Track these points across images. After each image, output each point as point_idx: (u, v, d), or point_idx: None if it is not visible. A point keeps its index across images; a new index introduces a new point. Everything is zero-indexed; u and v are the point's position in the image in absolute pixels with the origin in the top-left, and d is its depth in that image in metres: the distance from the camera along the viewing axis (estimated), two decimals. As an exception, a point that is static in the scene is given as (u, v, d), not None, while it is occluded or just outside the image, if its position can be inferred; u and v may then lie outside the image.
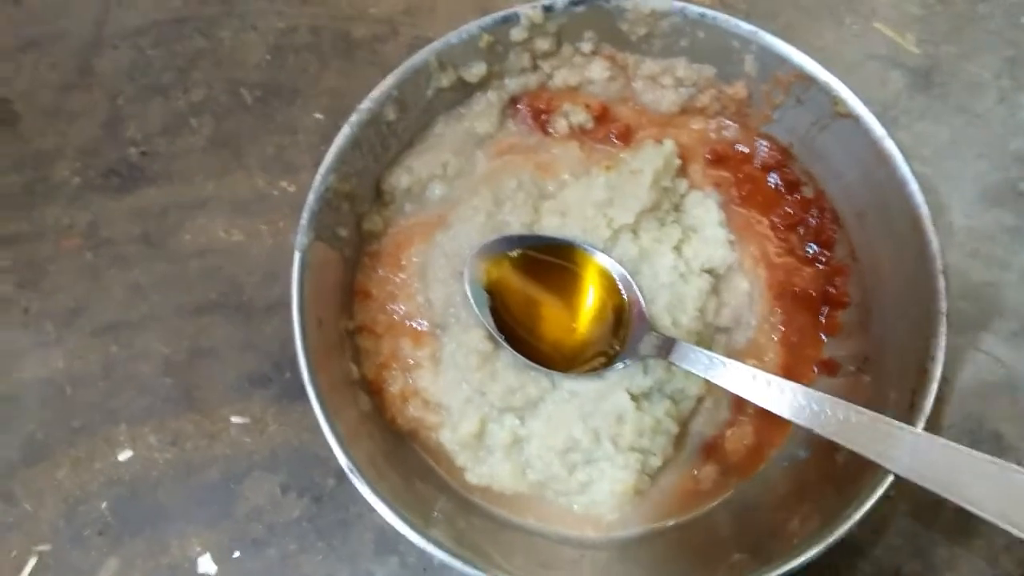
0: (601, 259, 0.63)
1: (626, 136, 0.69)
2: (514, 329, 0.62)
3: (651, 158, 0.66)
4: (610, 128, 0.70)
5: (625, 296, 0.62)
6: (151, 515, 0.67)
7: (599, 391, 0.61)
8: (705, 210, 0.67)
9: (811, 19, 0.81)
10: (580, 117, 0.69)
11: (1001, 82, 0.77)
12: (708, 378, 0.57)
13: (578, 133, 0.70)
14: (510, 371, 0.62)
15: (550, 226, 0.65)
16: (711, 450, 0.63)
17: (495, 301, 0.63)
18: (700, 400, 0.64)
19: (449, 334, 0.64)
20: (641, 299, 0.62)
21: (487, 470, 0.62)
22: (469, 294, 0.62)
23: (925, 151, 0.76)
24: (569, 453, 0.61)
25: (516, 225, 0.65)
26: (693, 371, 0.57)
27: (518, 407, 0.62)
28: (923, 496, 0.65)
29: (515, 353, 0.61)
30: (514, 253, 0.64)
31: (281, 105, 0.79)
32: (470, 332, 0.63)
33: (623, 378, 0.61)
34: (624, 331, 0.62)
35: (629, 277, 0.62)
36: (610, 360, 0.61)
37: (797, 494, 0.60)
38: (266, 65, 0.80)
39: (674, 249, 0.64)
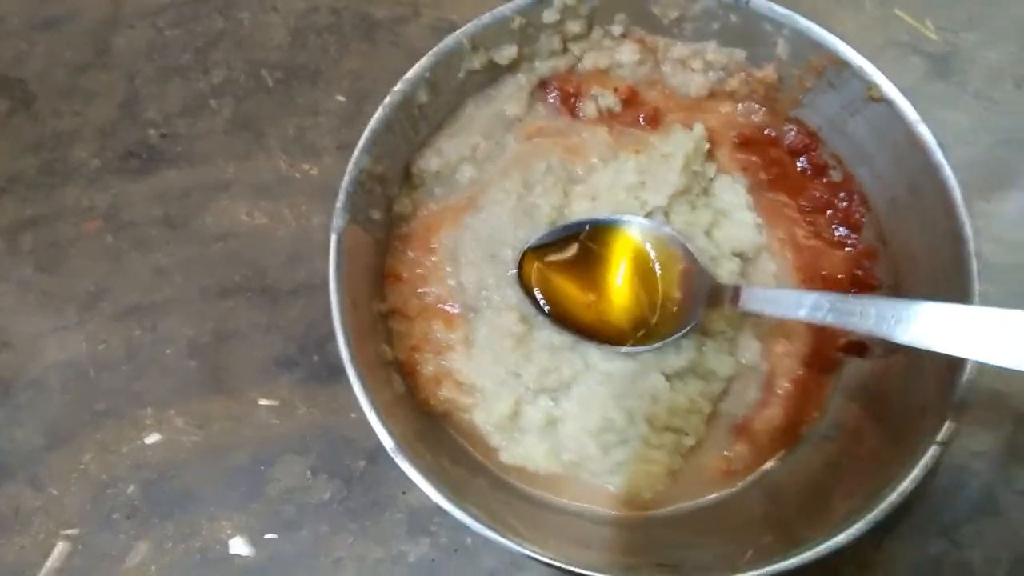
0: (650, 225, 0.63)
1: (654, 120, 0.70)
2: (568, 312, 0.63)
3: (681, 142, 0.66)
4: (638, 112, 0.70)
5: (682, 254, 0.62)
6: (180, 498, 0.67)
7: (633, 372, 0.61)
8: (734, 194, 0.67)
9: (833, 4, 0.82)
10: (609, 101, 0.69)
11: (1020, 69, 0.78)
12: (783, 315, 0.56)
13: (607, 117, 0.70)
14: (544, 352, 0.62)
15: (581, 210, 0.65)
16: (742, 430, 0.64)
17: (545, 291, 0.63)
18: (730, 380, 0.64)
19: (482, 317, 0.65)
20: (698, 255, 0.62)
21: (521, 451, 0.63)
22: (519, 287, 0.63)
23: (945, 137, 0.76)
24: (604, 433, 0.61)
25: (546, 208, 0.65)
26: (767, 312, 0.57)
27: (552, 388, 0.62)
28: (947, 475, 0.68)
29: (575, 337, 0.62)
30: (560, 243, 0.64)
31: (302, 87, 0.78)
32: (503, 314, 0.63)
33: (656, 359, 0.62)
34: (686, 292, 0.62)
35: (681, 237, 0.63)
36: (678, 324, 0.61)
37: (829, 477, 0.61)
38: (287, 46, 0.79)
39: (705, 233, 0.65)
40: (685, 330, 0.61)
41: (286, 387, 0.69)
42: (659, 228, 0.63)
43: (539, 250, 0.64)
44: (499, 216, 0.66)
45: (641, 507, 0.63)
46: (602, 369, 0.62)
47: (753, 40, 0.65)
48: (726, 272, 0.64)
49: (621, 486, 0.62)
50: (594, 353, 0.62)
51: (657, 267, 0.63)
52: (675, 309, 0.62)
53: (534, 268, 0.64)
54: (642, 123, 0.70)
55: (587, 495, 0.63)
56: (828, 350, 0.65)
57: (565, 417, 0.62)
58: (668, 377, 0.61)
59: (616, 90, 0.69)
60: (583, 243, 0.64)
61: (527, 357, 0.62)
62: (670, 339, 0.61)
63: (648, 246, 0.63)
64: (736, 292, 0.59)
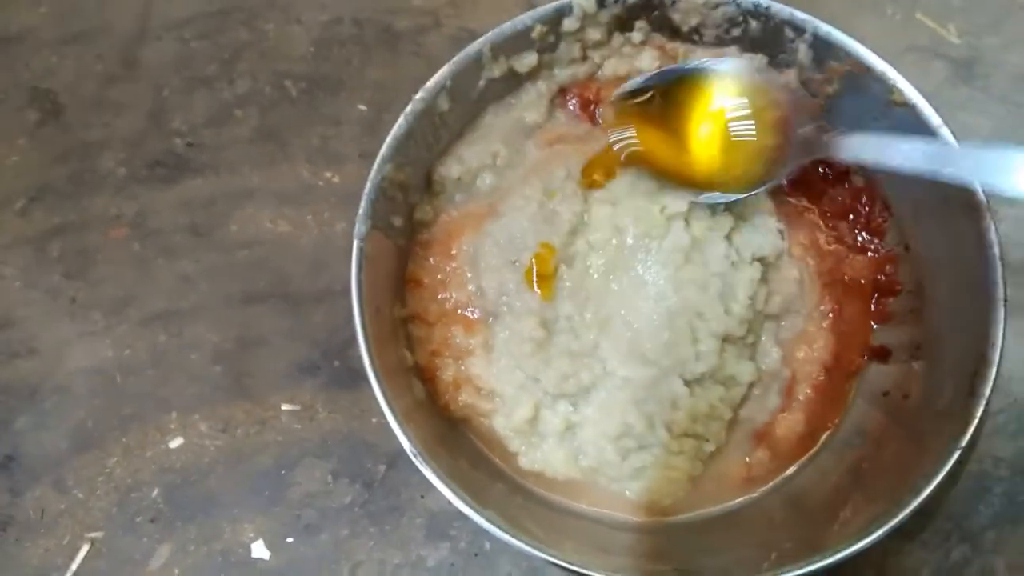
0: (743, 70, 0.62)
1: None
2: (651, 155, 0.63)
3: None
4: None
5: (780, 101, 0.61)
6: (203, 502, 0.68)
7: (653, 377, 0.61)
8: (755, 198, 0.67)
9: (854, 8, 0.81)
10: None
11: (1043, 73, 0.78)
12: (877, 163, 0.56)
13: None
14: (564, 358, 0.62)
15: (601, 215, 0.65)
16: (762, 436, 0.64)
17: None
18: (751, 387, 0.64)
19: (501, 322, 0.65)
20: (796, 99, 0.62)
21: (540, 456, 0.63)
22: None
23: (967, 141, 0.76)
24: (623, 439, 0.61)
25: (567, 214, 0.65)
26: (863, 159, 0.57)
27: (571, 393, 0.62)
28: (969, 481, 0.67)
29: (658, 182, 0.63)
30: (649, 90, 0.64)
31: (325, 97, 0.79)
32: (523, 320, 0.63)
33: (675, 364, 0.61)
34: (782, 140, 0.61)
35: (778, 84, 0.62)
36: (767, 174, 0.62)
37: (850, 483, 0.60)
38: (310, 57, 0.81)
39: (725, 238, 0.65)
40: (772, 182, 0.61)
41: (308, 392, 0.70)
42: (752, 75, 0.62)
43: (628, 97, 0.64)
44: (519, 222, 0.66)
45: (661, 513, 0.63)
46: (621, 375, 0.61)
47: (774, 45, 0.65)
48: (747, 278, 0.63)
49: (640, 492, 0.62)
50: (614, 358, 0.62)
51: (749, 117, 0.62)
52: (767, 158, 0.61)
53: (621, 112, 0.64)
54: None
55: (606, 501, 0.63)
56: (850, 355, 0.65)
57: (584, 422, 0.62)
58: (688, 383, 0.61)
59: None
60: (671, 90, 0.63)
61: (546, 362, 0.62)
62: (759, 188, 0.62)
63: (741, 96, 0.62)
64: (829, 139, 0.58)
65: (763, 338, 0.65)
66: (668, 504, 0.62)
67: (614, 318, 0.62)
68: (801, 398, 0.64)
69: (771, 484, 0.64)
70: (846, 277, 0.66)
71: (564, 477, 0.63)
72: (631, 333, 0.61)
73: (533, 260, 0.63)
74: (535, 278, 0.63)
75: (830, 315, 0.66)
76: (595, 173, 0.66)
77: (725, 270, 0.64)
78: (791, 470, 0.64)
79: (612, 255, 0.63)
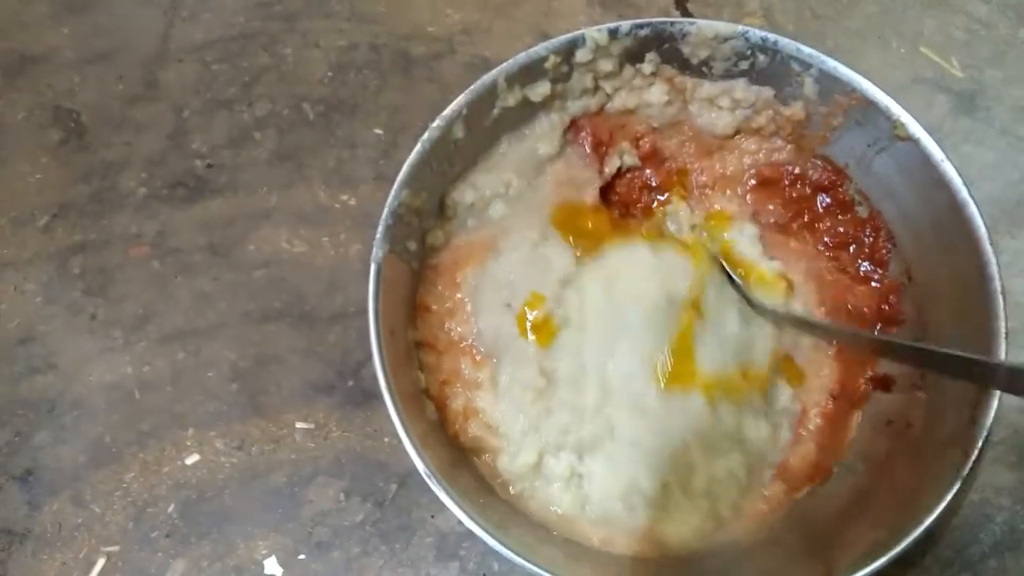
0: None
1: (666, 183, 0.72)
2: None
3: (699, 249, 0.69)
4: (656, 170, 0.72)
5: None
6: (217, 518, 0.69)
7: (667, 437, 0.61)
8: (750, 244, 0.69)
9: (858, 41, 0.84)
10: (629, 159, 0.72)
11: (1045, 106, 0.79)
12: None
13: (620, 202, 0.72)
14: (565, 411, 0.63)
15: (593, 293, 0.66)
16: (779, 471, 0.64)
17: None
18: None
19: (503, 362, 0.65)
20: None
21: (545, 498, 0.63)
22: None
23: (970, 173, 0.77)
24: (632, 496, 0.61)
25: (557, 264, 0.67)
26: None
27: (572, 446, 0.62)
28: (970, 509, 0.68)
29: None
30: None
31: (342, 120, 0.81)
32: (522, 367, 0.64)
33: (690, 422, 0.62)
34: None
35: None
36: None
37: (854, 509, 0.61)
38: (328, 81, 0.83)
39: (737, 301, 0.66)
40: None
41: (322, 411, 0.72)
42: None
43: None
44: (515, 264, 0.67)
45: (676, 548, 0.62)
46: (629, 438, 0.62)
47: (781, 79, 0.66)
48: (763, 334, 0.66)
49: (651, 538, 0.62)
50: (622, 423, 0.62)
51: None
52: None
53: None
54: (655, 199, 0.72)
55: (617, 539, 0.62)
56: (855, 382, 0.66)
57: (592, 475, 0.62)
58: (703, 447, 0.62)
59: (638, 141, 0.72)
60: None
61: (548, 412, 0.62)
62: None
63: None
64: None
65: (776, 381, 0.66)
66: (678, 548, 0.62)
67: (616, 382, 0.62)
68: (811, 428, 0.65)
69: (784, 511, 0.64)
70: (849, 306, 0.67)
71: (571, 517, 0.63)
72: (640, 400, 0.61)
73: (525, 307, 0.64)
74: (528, 326, 0.64)
75: (834, 343, 0.67)
76: (578, 231, 0.67)
77: (739, 330, 0.65)
78: (800, 496, 0.64)
79: (610, 318, 0.64)
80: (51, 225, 0.79)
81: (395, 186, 0.63)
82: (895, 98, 0.62)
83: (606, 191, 0.72)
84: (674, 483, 0.61)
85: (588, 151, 0.71)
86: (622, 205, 0.72)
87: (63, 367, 0.74)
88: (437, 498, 0.56)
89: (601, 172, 0.71)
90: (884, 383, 0.65)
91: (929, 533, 0.53)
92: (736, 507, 0.63)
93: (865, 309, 0.67)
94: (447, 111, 0.65)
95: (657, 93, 0.70)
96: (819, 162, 0.70)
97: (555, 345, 0.64)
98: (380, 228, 0.61)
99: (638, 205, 0.73)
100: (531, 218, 0.69)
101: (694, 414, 0.61)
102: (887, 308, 0.66)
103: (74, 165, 0.81)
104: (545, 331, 0.64)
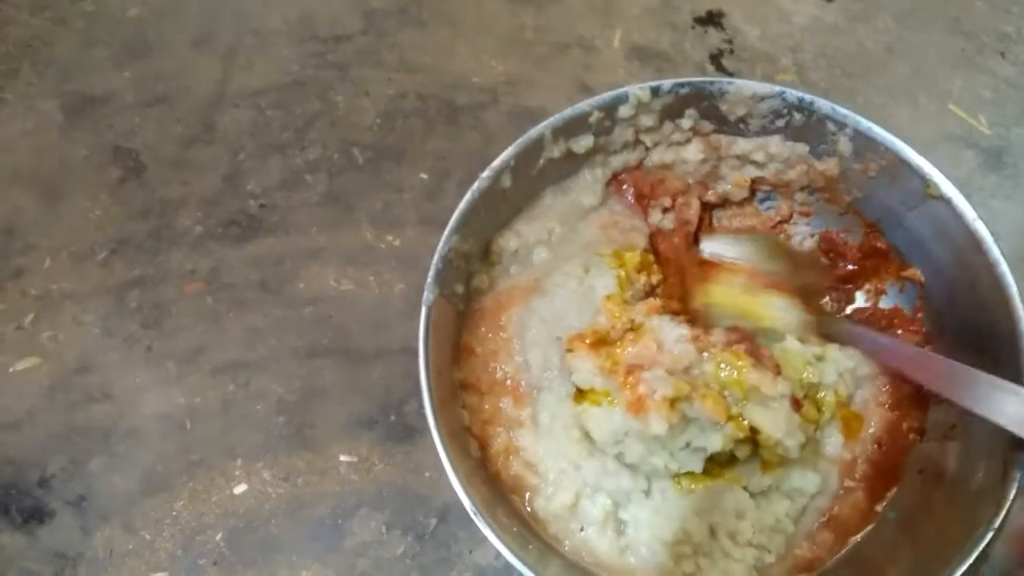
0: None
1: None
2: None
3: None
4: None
5: None
6: (264, 547, 0.71)
7: (715, 489, 0.62)
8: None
9: (887, 98, 0.87)
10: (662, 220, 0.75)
11: (1071, 164, 0.82)
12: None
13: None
14: (609, 459, 0.63)
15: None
16: (827, 521, 0.65)
17: None
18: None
19: (544, 400, 0.67)
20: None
21: (581, 540, 0.63)
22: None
23: (998, 228, 0.79)
24: (680, 545, 0.62)
25: (599, 288, 0.69)
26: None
27: (611, 490, 0.63)
28: (999, 562, 0.69)
29: None
30: None
31: (390, 165, 0.85)
32: (565, 403, 0.66)
33: (740, 476, 0.63)
34: None
35: None
36: None
37: (884, 558, 0.62)
38: (377, 128, 0.87)
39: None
40: None
41: (365, 445, 0.74)
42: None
43: None
44: (563, 299, 0.69)
45: None
46: (686, 485, 0.62)
47: (816, 137, 0.69)
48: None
49: None
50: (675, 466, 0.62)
51: None
52: None
53: None
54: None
55: None
56: (900, 430, 0.67)
57: (637, 523, 0.62)
58: (753, 495, 0.63)
59: (673, 201, 0.74)
60: None
61: (589, 452, 0.63)
62: None
63: None
64: None
65: (827, 428, 0.66)
66: None
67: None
68: (858, 476, 0.66)
69: (834, 560, 0.64)
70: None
71: (608, 561, 0.63)
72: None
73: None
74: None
75: (886, 388, 0.67)
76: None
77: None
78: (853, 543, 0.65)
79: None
80: (109, 260, 0.83)
81: (446, 232, 0.66)
82: (925, 155, 0.65)
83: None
84: (722, 527, 0.62)
85: (631, 201, 0.74)
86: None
87: (118, 397, 0.77)
88: (475, 533, 0.57)
89: (645, 220, 0.74)
90: (918, 432, 0.67)
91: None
92: (781, 556, 0.63)
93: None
94: (496, 162, 0.68)
95: (693, 151, 0.73)
96: (852, 215, 0.72)
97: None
98: (431, 272, 0.64)
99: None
100: (573, 257, 0.71)
101: (743, 464, 0.63)
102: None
103: (133, 203, 0.85)
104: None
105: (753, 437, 0.59)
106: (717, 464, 0.62)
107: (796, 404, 0.61)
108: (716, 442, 0.59)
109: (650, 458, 0.61)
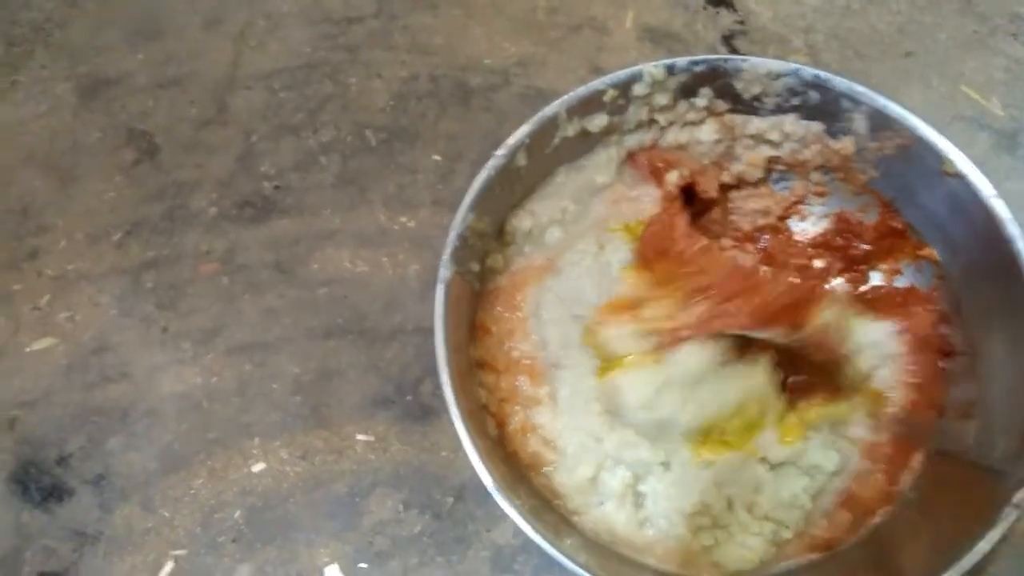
0: None
1: None
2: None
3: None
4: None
5: None
6: (282, 525, 0.72)
7: (733, 460, 0.63)
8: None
9: (900, 79, 0.86)
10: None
11: (1086, 145, 0.82)
12: None
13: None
14: (629, 430, 0.64)
15: None
16: (845, 500, 0.65)
17: None
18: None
19: (563, 377, 0.67)
20: None
21: (600, 516, 0.64)
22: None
23: (1011, 209, 0.80)
24: (698, 516, 0.62)
25: (615, 263, 0.70)
26: None
27: (631, 462, 0.64)
28: (1019, 541, 0.69)
29: None
30: None
31: (403, 147, 0.85)
32: (585, 379, 0.66)
33: (758, 449, 0.64)
34: None
35: None
36: None
37: (901, 539, 0.62)
38: (390, 110, 0.87)
39: None
40: None
41: (382, 424, 0.74)
42: None
43: None
44: (578, 276, 0.69)
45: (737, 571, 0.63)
46: (705, 456, 0.63)
47: (831, 115, 0.69)
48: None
49: (711, 560, 0.63)
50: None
51: None
52: None
53: None
54: None
55: (674, 557, 0.63)
56: (922, 408, 0.67)
57: (655, 495, 0.63)
58: (772, 467, 0.63)
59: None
60: None
61: (611, 426, 0.64)
62: None
63: None
64: None
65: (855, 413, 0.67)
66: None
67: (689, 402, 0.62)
68: (878, 455, 0.66)
69: (854, 540, 0.64)
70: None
71: (625, 536, 0.63)
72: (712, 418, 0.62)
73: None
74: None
75: (910, 367, 0.67)
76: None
77: None
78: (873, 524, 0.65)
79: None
80: (124, 241, 0.83)
81: (461, 210, 0.66)
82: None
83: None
84: (739, 500, 0.62)
85: (646, 174, 0.74)
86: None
87: (135, 377, 0.77)
88: (492, 512, 0.58)
89: (659, 187, 0.73)
90: (939, 410, 0.67)
91: (978, 565, 0.53)
92: (799, 533, 0.64)
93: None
94: (512, 140, 0.68)
95: (707, 131, 0.73)
96: (867, 195, 0.72)
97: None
98: (447, 249, 0.64)
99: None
100: (586, 235, 0.72)
101: (765, 438, 0.63)
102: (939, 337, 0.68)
103: (147, 185, 0.85)
104: None
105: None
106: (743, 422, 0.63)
107: None
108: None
109: (686, 406, 0.61)
